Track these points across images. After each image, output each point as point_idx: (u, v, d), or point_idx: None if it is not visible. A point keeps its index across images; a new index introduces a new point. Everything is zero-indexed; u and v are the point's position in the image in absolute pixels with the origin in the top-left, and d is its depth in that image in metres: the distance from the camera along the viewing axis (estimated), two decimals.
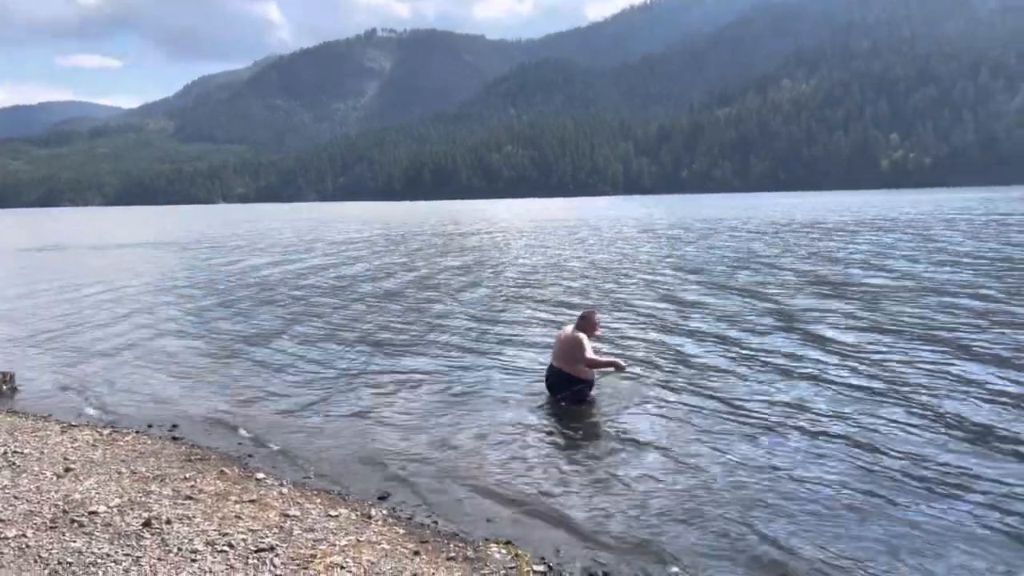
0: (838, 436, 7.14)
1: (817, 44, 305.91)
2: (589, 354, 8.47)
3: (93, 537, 4.94)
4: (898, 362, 9.83)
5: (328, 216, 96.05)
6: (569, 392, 8.46)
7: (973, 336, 11.30)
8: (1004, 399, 8.07)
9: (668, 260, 25.38)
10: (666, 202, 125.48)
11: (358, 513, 5.70)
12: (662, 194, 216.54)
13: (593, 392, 8.67)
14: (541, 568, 4.79)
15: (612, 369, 8.84)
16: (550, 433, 7.59)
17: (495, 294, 18.00)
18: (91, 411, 8.92)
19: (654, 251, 29.34)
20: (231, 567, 4.54)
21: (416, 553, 4.95)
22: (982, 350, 10.36)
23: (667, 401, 8.45)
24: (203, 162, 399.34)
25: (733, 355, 10.65)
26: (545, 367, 9.02)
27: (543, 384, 8.94)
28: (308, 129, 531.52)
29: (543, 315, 14.67)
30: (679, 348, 11.23)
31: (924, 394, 8.37)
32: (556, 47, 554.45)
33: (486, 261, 27.18)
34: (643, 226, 49.45)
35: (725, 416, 7.83)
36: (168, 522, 5.19)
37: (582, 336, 8.55)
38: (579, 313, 9.13)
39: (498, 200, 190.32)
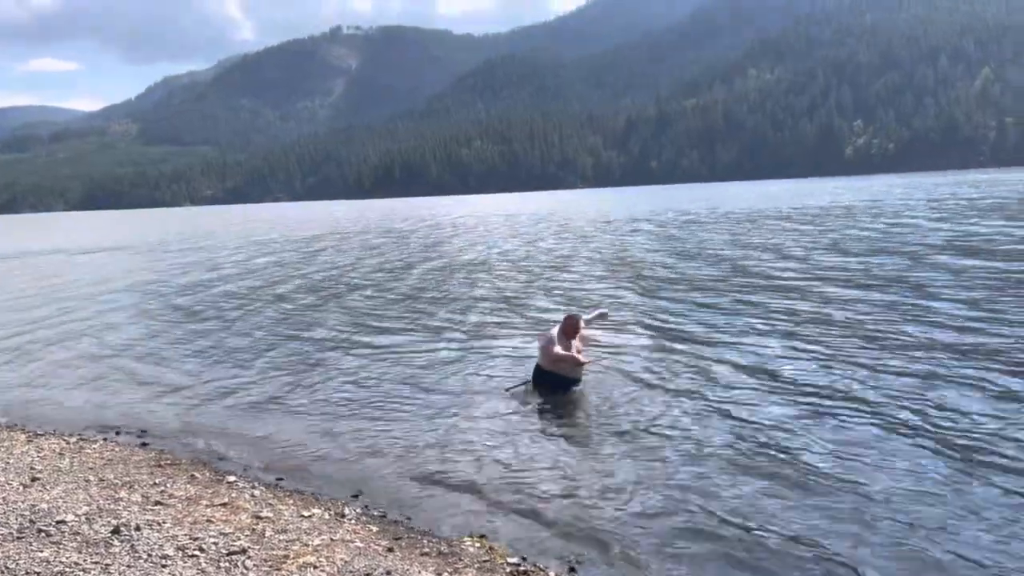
0: (817, 427, 7.24)
1: (780, 34, 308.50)
2: (557, 350, 8.51)
3: (61, 546, 4.87)
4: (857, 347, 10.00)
5: (294, 216, 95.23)
6: (549, 386, 8.58)
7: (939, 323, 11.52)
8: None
9: (630, 254, 25.54)
10: (632, 194, 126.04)
11: (331, 512, 5.68)
12: (632, 185, 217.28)
13: (576, 388, 8.70)
14: (515, 560, 4.81)
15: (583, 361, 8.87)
16: (522, 428, 7.61)
17: (463, 291, 17.98)
18: (58, 420, 8.77)
19: (612, 245, 29.49)
20: (202, 571, 4.50)
21: (390, 550, 4.95)
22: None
23: (642, 395, 8.46)
24: (168, 164, 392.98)
25: (709, 348, 10.74)
26: (515, 362, 9.08)
27: (513, 380, 9.00)
28: (274, 129, 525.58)
29: (510, 312, 14.70)
30: (656, 343, 11.31)
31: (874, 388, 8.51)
32: (522, 41, 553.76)
33: (456, 259, 27.14)
34: (602, 219, 49.68)
35: (701, 411, 7.81)
36: (137, 528, 5.14)
37: (552, 335, 8.66)
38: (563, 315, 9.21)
39: (469, 196, 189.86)
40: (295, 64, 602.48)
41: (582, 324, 8.97)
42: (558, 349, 8.49)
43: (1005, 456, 6.04)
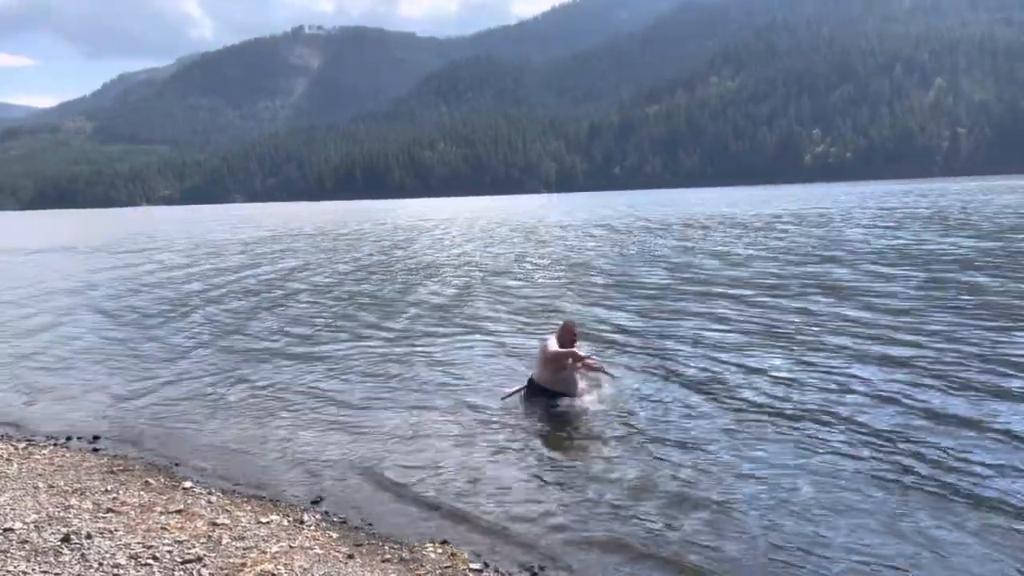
0: (791, 435, 7.31)
1: (742, 43, 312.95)
2: (552, 346, 8.19)
3: (8, 555, 4.70)
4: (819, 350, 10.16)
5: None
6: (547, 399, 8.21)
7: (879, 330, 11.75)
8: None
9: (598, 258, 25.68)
10: (588, 199, 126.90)
11: (290, 519, 5.58)
12: (595, 191, 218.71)
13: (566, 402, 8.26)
14: (477, 566, 4.77)
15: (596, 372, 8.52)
16: (487, 435, 7.51)
17: (423, 296, 17.89)
18: (5, 425, 8.51)
19: (578, 248, 29.65)
20: None
21: (350, 556, 4.88)
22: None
23: (612, 408, 8.28)
24: (124, 163, 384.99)
25: (681, 357, 10.79)
26: (476, 366, 8.98)
27: (478, 385, 8.93)
28: (234, 128, 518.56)
29: (473, 317, 14.65)
30: (625, 356, 11.34)
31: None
32: (486, 44, 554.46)
33: (411, 262, 27.01)
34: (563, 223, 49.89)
35: (673, 426, 7.71)
36: (88, 537, 4.99)
37: (548, 343, 8.32)
38: (560, 323, 8.77)
39: (432, 199, 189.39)
40: (256, 63, 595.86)
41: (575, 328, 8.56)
42: (553, 345, 8.18)
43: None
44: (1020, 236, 25.64)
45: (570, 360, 8.24)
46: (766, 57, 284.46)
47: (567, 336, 8.40)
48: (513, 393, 8.51)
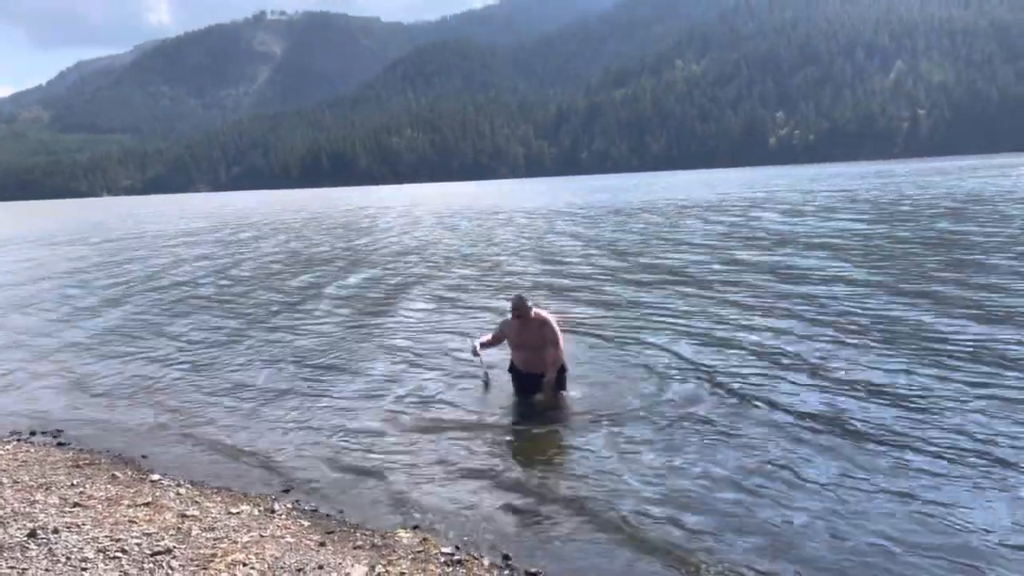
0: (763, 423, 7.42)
1: (706, 26, 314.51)
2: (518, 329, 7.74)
3: None
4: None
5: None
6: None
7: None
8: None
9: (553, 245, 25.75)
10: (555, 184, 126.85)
11: (261, 508, 5.56)
12: (563, 176, 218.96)
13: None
14: (449, 550, 4.80)
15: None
16: (454, 420, 7.48)
17: (383, 282, 17.82)
18: None
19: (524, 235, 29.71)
20: (125, 573, 4.36)
21: (322, 544, 4.88)
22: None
23: (581, 390, 8.15)
24: (84, 153, 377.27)
25: (645, 343, 10.88)
26: (436, 356, 8.90)
27: (444, 372, 8.92)
28: (197, 116, 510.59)
29: (437, 299, 14.64)
30: (590, 338, 11.40)
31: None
32: (452, 29, 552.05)
33: (374, 250, 26.90)
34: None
35: (643, 407, 7.73)
36: (55, 531, 4.93)
37: (507, 322, 7.89)
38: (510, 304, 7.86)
39: (400, 186, 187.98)
40: (218, 50, 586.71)
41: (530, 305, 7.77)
42: (515, 326, 7.75)
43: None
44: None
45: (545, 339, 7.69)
46: (730, 40, 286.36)
47: (523, 315, 7.67)
48: (486, 377, 8.21)
